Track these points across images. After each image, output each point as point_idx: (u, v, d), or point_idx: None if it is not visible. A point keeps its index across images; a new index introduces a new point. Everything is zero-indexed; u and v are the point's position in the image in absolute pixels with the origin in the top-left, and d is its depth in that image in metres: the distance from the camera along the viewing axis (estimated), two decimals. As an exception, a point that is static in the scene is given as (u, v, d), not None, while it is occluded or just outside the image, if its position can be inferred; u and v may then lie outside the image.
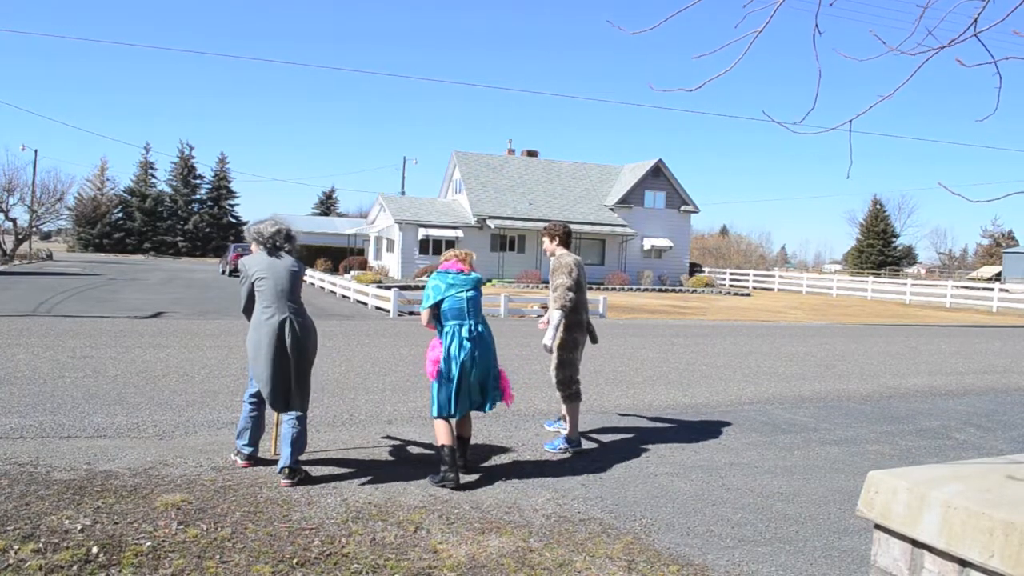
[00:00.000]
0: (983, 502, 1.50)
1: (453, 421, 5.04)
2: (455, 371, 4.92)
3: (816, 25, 2.10)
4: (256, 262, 4.89)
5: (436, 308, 5.05)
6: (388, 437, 6.05)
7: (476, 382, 5.05)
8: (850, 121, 2.18)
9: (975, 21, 1.92)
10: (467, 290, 5.07)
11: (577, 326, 5.85)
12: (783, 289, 39.99)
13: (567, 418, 5.88)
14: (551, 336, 5.70)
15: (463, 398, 4.97)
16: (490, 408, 5.23)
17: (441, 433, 4.89)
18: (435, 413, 4.97)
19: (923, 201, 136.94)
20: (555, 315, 5.68)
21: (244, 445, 5.02)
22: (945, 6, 2.02)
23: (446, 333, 4.99)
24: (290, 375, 4.75)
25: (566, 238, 6.02)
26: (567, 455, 5.76)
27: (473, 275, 5.18)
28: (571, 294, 5.68)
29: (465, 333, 4.98)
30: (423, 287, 5.68)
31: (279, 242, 4.93)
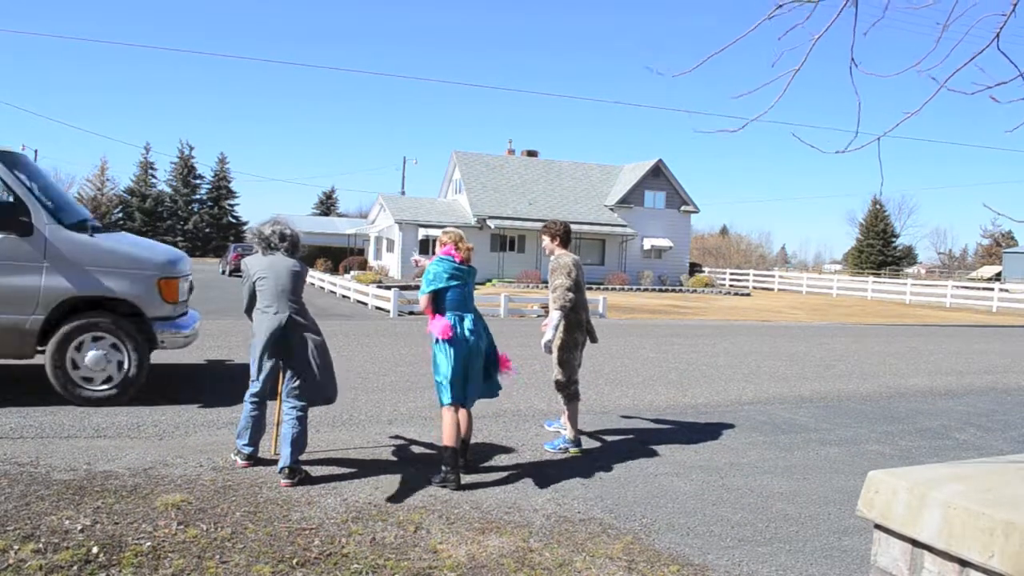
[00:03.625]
0: (983, 502, 1.50)
1: (462, 419, 5.02)
2: (462, 361, 4.97)
3: (852, 58, 2.10)
4: (257, 262, 5.03)
5: (437, 294, 5.07)
6: (390, 437, 6.06)
7: (480, 368, 5.17)
8: (878, 139, 2.19)
9: (998, 35, 1.93)
10: (467, 281, 5.17)
11: (577, 326, 5.86)
12: (783, 289, 39.99)
13: (567, 418, 5.88)
14: (551, 336, 5.72)
15: (472, 385, 5.06)
16: (497, 389, 5.40)
17: (448, 432, 4.88)
18: (445, 401, 4.98)
19: (923, 201, 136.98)
20: (555, 315, 5.70)
21: (244, 445, 5.04)
22: (968, 21, 2.02)
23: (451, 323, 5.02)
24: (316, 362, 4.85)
25: (566, 237, 6.03)
26: (567, 455, 5.77)
27: (470, 267, 5.26)
28: (571, 294, 5.70)
29: (468, 324, 5.05)
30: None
31: (274, 242, 5.06)
